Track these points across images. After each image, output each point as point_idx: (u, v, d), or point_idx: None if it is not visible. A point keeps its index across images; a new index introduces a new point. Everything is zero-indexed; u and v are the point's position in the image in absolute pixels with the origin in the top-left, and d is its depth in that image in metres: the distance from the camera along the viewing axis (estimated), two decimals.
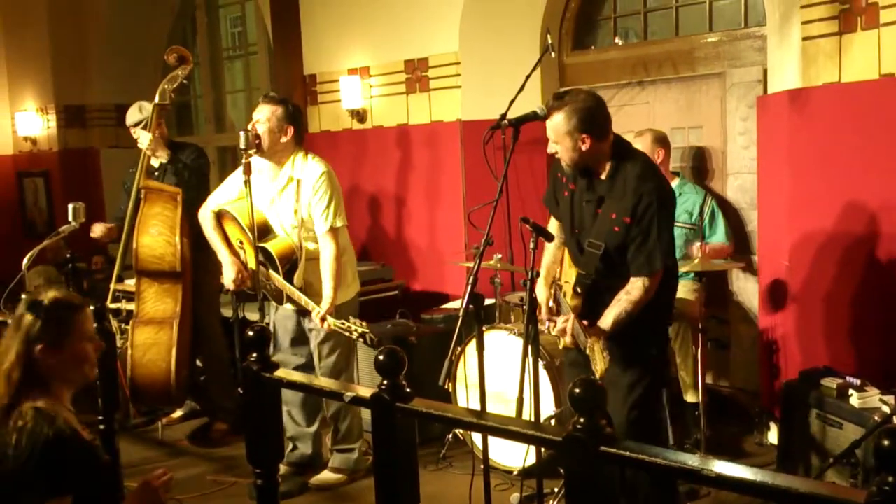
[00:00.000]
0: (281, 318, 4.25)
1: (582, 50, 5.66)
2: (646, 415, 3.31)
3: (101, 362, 2.64)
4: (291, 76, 6.36)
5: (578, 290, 3.31)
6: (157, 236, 4.51)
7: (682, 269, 3.71)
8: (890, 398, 3.48)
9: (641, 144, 4.34)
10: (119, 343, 4.53)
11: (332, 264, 3.98)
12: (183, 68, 4.66)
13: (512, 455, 4.06)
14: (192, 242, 4.59)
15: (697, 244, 4.37)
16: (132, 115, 4.89)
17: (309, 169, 4.04)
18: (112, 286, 4.87)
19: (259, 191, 4.10)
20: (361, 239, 6.08)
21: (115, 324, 4.61)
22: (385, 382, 2.18)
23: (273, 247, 4.06)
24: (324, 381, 3.15)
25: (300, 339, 4.22)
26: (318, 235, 4.03)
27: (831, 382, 3.66)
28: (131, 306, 4.66)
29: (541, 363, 3.75)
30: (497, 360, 4.07)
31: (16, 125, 8.86)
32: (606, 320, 3.16)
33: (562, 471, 1.96)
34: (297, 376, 2.93)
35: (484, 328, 3.43)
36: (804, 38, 4.10)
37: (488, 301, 4.38)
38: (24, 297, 2.47)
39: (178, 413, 5.34)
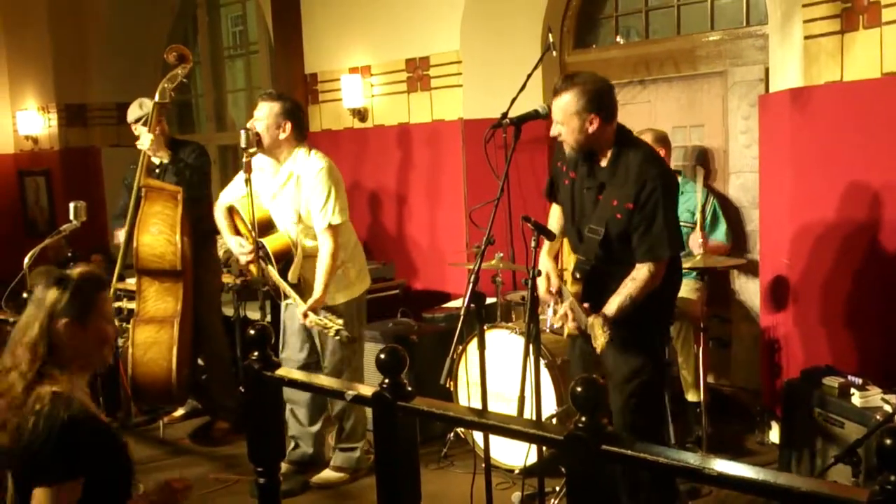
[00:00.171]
0: (289, 317, 4.24)
1: (583, 48, 5.65)
2: (646, 404, 3.31)
3: None
4: (292, 75, 6.36)
5: (577, 275, 3.31)
6: (157, 235, 4.50)
7: (683, 267, 3.70)
8: (892, 397, 3.48)
9: None
10: (120, 342, 4.54)
11: (327, 262, 3.96)
12: (183, 67, 4.66)
13: (513, 454, 4.06)
14: (192, 241, 4.59)
15: (699, 238, 4.33)
16: (133, 112, 4.89)
17: (309, 164, 4.02)
18: (113, 285, 4.86)
19: (262, 187, 4.11)
20: (363, 238, 6.06)
21: (116, 322, 4.60)
22: (386, 381, 2.18)
23: (269, 243, 4.06)
24: (325, 380, 3.15)
25: (307, 337, 4.22)
26: (316, 232, 4.02)
27: (833, 381, 3.65)
28: (132, 305, 4.66)
29: (542, 362, 3.75)
30: (498, 358, 4.07)
31: (17, 124, 8.87)
32: (611, 306, 3.15)
33: (563, 469, 1.96)
34: (298, 375, 2.93)
35: (485, 327, 3.43)
36: (806, 37, 4.09)
37: (490, 300, 4.38)
38: (44, 272, 2.44)
39: (180, 412, 5.34)
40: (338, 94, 6.15)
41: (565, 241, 3.51)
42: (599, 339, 3.02)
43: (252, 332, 2.58)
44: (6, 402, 2.29)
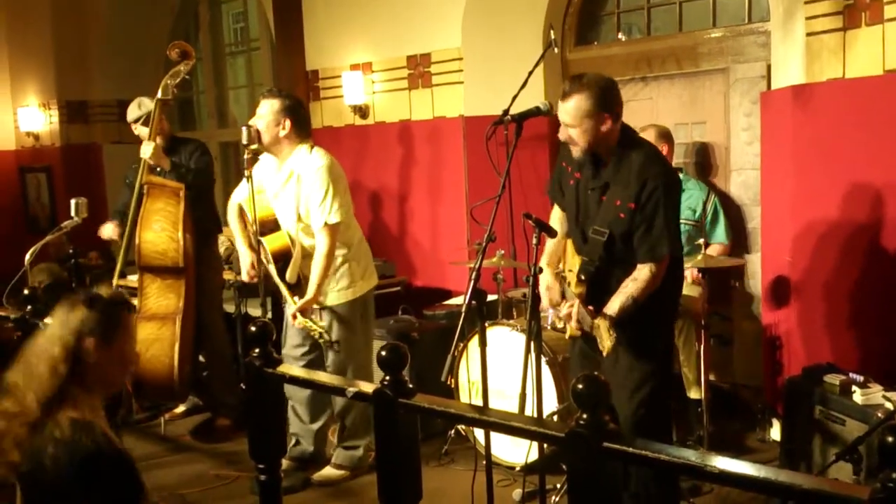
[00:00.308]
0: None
1: (585, 45, 5.65)
2: (653, 414, 3.28)
3: None
4: (294, 72, 6.36)
5: (582, 276, 3.28)
6: (159, 232, 4.50)
7: (685, 266, 3.69)
8: (893, 395, 3.47)
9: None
10: None
11: (322, 261, 3.94)
12: (185, 63, 4.65)
13: (514, 451, 4.06)
14: (194, 238, 4.59)
15: (701, 241, 4.32)
16: (132, 112, 4.88)
17: (309, 162, 4.00)
18: (115, 282, 4.87)
19: (268, 185, 4.11)
20: (364, 235, 6.06)
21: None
22: (388, 378, 2.18)
23: (269, 242, 4.06)
24: (326, 377, 3.15)
25: (310, 335, 4.22)
26: (314, 230, 4.01)
27: (834, 379, 3.65)
28: (134, 302, 4.66)
29: (543, 359, 3.74)
30: (499, 356, 4.07)
31: (18, 121, 8.87)
32: (613, 306, 3.12)
33: (564, 467, 1.96)
34: (299, 372, 2.93)
35: (486, 324, 3.43)
36: (808, 34, 4.09)
37: (491, 297, 4.38)
38: (71, 294, 2.45)
39: (181, 408, 5.34)
40: (339, 91, 6.15)
41: (569, 242, 3.50)
42: (606, 342, 3.00)
43: (253, 328, 2.58)
44: (19, 421, 2.27)
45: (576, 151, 3.25)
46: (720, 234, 4.66)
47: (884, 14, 3.78)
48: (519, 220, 4.02)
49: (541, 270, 3.27)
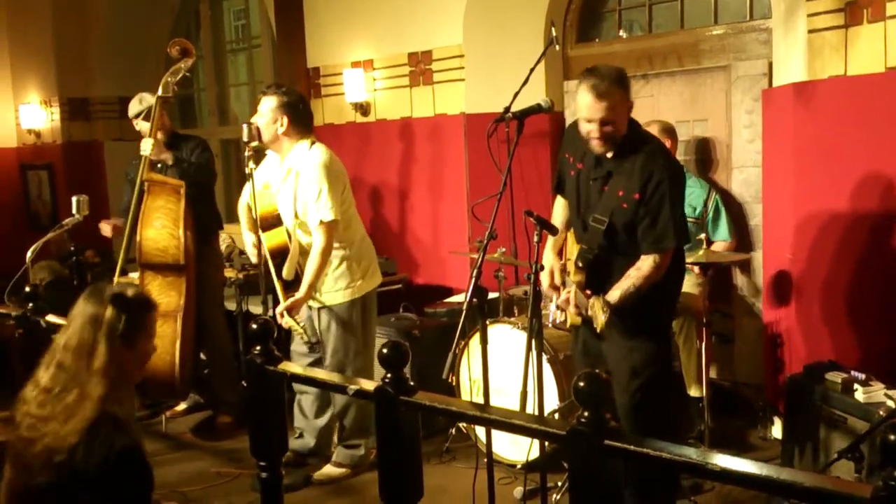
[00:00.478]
0: (300, 313, 4.24)
1: (586, 43, 5.64)
2: (652, 400, 3.29)
3: None
4: (295, 69, 6.36)
5: (580, 263, 3.29)
6: (160, 229, 4.50)
7: (686, 262, 3.69)
8: (895, 392, 3.47)
9: None
10: None
11: (316, 259, 3.93)
12: (186, 61, 4.64)
13: (515, 449, 4.06)
14: (195, 235, 4.59)
15: (703, 237, 4.30)
16: (133, 107, 4.88)
17: (307, 159, 3.99)
18: (116, 279, 4.86)
19: (272, 182, 4.12)
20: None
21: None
22: (389, 376, 2.18)
23: (268, 239, 4.07)
24: (327, 375, 3.15)
25: (314, 331, 4.22)
26: (310, 228, 3.99)
27: (836, 377, 3.65)
28: None
29: (544, 357, 3.74)
30: (501, 353, 4.07)
31: (19, 118, 8.87)
32: (614, 294, 3.13)
33: (565, 465, 1.96)
34: (299, 369, 2.93)
35: (487, 322, 3.43)
36: (810, 31, 4.08)
37: (492, 295, 4.37)
38: (92, 291, 2.46)
39: (182, 406, 5.34)
40: (340, 89, 6.15)
41: (570, 233, 3.50)
42: (599, 317, 3.00)
43: (254, 326, 2.58)
44: (58, 421, 2.29)
45: (599, 147, 3.19)
46: (723, 231, 4.66)
47: (886, 11, 3.77)
48: (520, 217, 4.02)
49: (542, 268, 3.27)
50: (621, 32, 5.47)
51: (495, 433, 3.51)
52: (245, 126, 3.99)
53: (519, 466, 4.06)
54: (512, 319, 4.30)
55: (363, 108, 6.12)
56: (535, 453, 3.68)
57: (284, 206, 4.08)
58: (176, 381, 4.51)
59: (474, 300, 3.13)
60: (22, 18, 8.61)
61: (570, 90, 5.56)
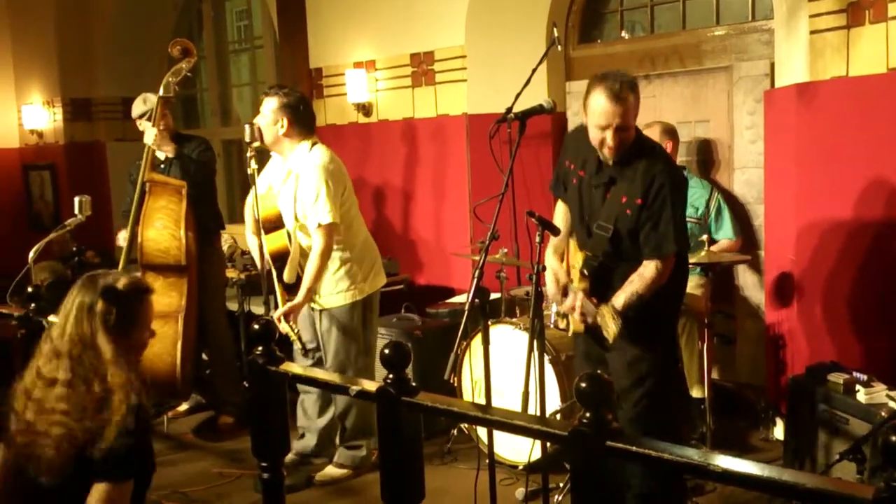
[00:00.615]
0: (303, 317, 4.24)
1: (588, 43, 5.64)
2: (655, 407, 3.29)
3: None
4: (297, 70, 6.36)
5: (585, 271, 3.28)
6: (161, 230, 4.50)
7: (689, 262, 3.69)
8: None
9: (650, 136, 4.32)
10: None
11: (314, 262, 3.92)
12: (187, 61, 4.65)
13: (517, 450, 4.05)
14: (197, 236, 4.59)
15: (704, 238, 4.29)
16: (137, 107, 4.88)
17: (307, 161, 3.98)
18: None
19: (275, 183, 4.12)
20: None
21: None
22: (391, 376, 2.18)
23: (269, 241, 4.06)
24: (330, 375, 3.15)
25: (312, 339, 4.22)
26: (309, 230, 3.99)
27: (838, 378, 3.64)
28: None
29: (546, 358, 3.74)
30: (502, 354, 4.07)
31: (22, 118, 8.87)
32: (618, 300, 3.12)
33: (567, 465, 1.96)
34: (300, 370, 2.93)
35: (489, 322, 3.43)
36: (812, 32, 4.08)
37: (494, 295, 4.37)
38: (85, 281, 2.48)
39: (184, 406, 5.35)
40: (342, 89, 6.15)
41: (571, 239, 3.50)
42: (611, 327, 2.98)
43: (256, 326, 2.58)
44: (76, 412, 2.33)
45: (612, 154, 3.15)
46: (727, 229, 4.66)
47: (888, 12, 3.77)
48: (522, 218, 4.01)
49: (544, 269, 3.27)
50: (623, 33, 5.47)
51: (497, 434, 3.50)
52: (247, 126, 3.99)
53: (521, 467, 4.05)
54: (514, 320, 4.29)
55: (365, 109, 6.12)
56: (537, 454, 3.67)
57: (285, 209, 4.08)
58: (177, 382, 4.52)
59: (476, 301, 3.13)
60: (25, 19, 8.62)
61: (572, 91, 5.56)
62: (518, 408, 3.14)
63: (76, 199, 4.50)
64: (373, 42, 6.03)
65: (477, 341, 4.07)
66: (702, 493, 3.84)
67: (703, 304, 4.25)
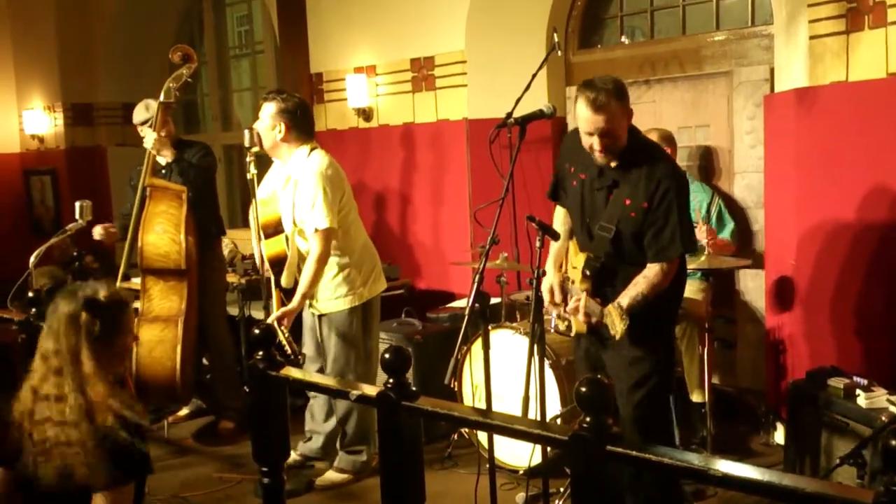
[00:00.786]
0: (307, 325, 4.24)
1: (588, 48, 5.65)
2: (654, 410, 3.29)
3: None
4: (298, 74, 6.37)
5: (587, 272, 3.28)
6: (162, 234, 4.51)
7: (688, 267, 3.69)
8: None
9: None
10: None
11: (311, 267, 3.91)
12: (188, 67, 4.65)
13: (518, 454, 4.05)
14: (197, 240, 4.59)
15: (705, 237, 4.24)
16: (139, 114, 4.89)
17: (305, 167, 3.98)
18: (118, 284, 4.87)
19: (276, 189, 4.12)
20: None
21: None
22: (391, 381, 2.18)
23: (268, 247, 4.07)
24: (330, 380, 3.15)
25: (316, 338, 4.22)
26: (307, 236, 3.98)
27: (838, 382, 3.64)
28: (137, 304, 4.66)
29: (546, 362, 3.74)
30: (503, 359, 4.07)
31: (23, 123, 8.88)
32: (622, 301, 3.11)
33: (568, 470, 1.96)
34: (299, 374, 2.93)
35: (489, 327, 3.43)
36: (811, 37, 4.08)
37: (494, 300, 4.37)
38: (66, 295, 2.49)
39: (184, 411, 5.34)
40: (343, 94, 6.16)
41: (571, 243, 3.50)
42: (618, 325, 2.98)
43: (257, 331, 2.58)
44: (71, 426, 2.35)
45: (602, 158, 3.18)
46: (726, 235, 4.65)
47: (887, 17, 3.78)
48: (522, 222, 4.01)
49: (544, 273, 3.27)
50: (623, 38, 5.47)
51: (498, 438, 3.50)
52: (247, 131, 4.00)
53: (521, 472, 4.05)
54: (514, 325, 4.29)
55: (366, 114, 6.13)
56: (537, 459, 3.67)
57: (284, 214, 4.08)
58: (177, 387, 4.51)
59: (476, 305, 3.13)
60: (26, 24, 8.63)
61: (571, 96, 5.56)
62: (518, 412, 3.14)
63: (77, 204, 4.51)
64: (373, 47, 6.04)
65: (477, 346, 4.07)
66: (702, 497, 3.84)
67: (703, 308, 4.25)
